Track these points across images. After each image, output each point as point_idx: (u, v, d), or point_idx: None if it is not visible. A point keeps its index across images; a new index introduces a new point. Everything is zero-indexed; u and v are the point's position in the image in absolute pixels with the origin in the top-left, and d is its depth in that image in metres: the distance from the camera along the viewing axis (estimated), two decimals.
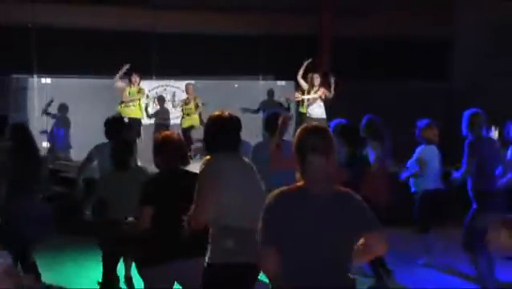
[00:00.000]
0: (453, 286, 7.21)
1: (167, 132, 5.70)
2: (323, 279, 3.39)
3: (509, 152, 7.26)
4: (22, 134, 6.73)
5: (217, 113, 4.78)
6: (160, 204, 4.94)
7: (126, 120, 12.24)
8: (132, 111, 12.68)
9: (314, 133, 3.55)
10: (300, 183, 3.49)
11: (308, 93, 12.65)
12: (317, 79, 12.68)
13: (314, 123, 5.87)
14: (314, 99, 12.64)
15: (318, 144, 3.45)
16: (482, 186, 6.80)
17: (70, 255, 8.46)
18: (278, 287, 3.49)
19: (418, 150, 7.88)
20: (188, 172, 5.15)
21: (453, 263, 7.79)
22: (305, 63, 12.85)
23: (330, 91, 12.67)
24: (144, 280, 5.14)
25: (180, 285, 5.02)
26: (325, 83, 12.77)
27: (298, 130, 3.65)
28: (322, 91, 12.59)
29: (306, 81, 12.84)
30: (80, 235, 8.19)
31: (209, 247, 4.39)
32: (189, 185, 4.63)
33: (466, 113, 6.93)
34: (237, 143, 4.66)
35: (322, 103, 12.69)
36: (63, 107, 13.01)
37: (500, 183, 7.02)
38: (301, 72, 12.93)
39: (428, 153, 7.80)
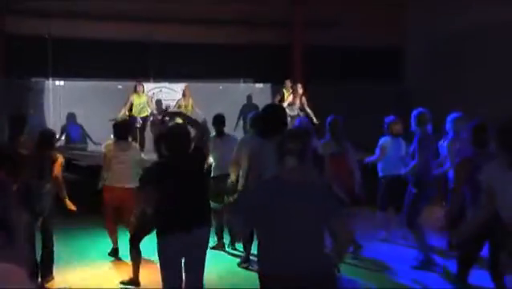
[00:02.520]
0: (406, 256, 7.23)
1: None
2: (300, 256, 3.37)
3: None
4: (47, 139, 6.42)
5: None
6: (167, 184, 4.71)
7: (139, 118, 12.59)
8: (143, 113, 12.94)
9: (292, 139, 3.56)
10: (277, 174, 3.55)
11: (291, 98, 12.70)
12: (300, 89, 12.74)
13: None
14: (295, 104, 12.67)
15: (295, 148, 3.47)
16: (424, 176, 6.85)
17: (83, 231, 8.48)
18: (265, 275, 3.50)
19: (381, 140, 7.84)
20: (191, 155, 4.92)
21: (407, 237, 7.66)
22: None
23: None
24: (160, 250, 4.83)
25: (187, 255, 4.78)
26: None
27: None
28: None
29: (287, 88, 12.90)
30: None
31: None
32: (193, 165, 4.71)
33: (414, 112, 6.91)
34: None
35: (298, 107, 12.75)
36: (75, 116, 12.93)
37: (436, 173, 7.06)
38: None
39: (390, 144, 7.74)
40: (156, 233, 4.81)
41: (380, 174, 7.96)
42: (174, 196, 4.65)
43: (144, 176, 5.17)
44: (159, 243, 4.71)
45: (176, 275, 4.77)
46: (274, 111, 5.46)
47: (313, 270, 3.36)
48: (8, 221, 4.30)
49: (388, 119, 7.83)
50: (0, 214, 4.48)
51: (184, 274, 4.80)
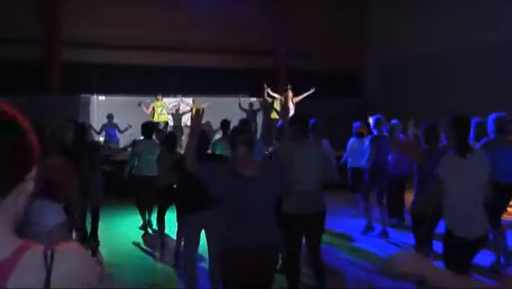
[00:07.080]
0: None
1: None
2: (256, 233, 3.16)
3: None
4: (82, 131, 6.32)
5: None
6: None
7: (162, 123, 12.69)
8: (164, 118, 13.04)
9: (241, 132, 3.33)
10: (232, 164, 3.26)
11: (285, 101, 12.28)
12: (290, 92, 12.61)
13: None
14: (291, 108, 12.24)
15: (244, 139, 3.24)
16: (378, 165, 6.96)
17: (116, 209, 8.42)
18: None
19: (350, 141, 7.80)
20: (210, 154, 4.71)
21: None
22: (265, 86, 13.14)
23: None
24: (180, 226, 4.78)
25: (205, 230, 4.58)
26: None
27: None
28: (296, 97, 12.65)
29: (281, 94, 12.88)
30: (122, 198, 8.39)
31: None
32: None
33: (373, 118, 6.99)
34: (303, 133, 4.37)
35: (293, 108, 12.36)
36: (112, 115, 13.02)
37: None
38: (268, 92, 13.16)
39: (356, 143, 7.69)
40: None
41: (348, 166, 7.93)
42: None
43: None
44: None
45: (194, 243, 4.64)
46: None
47: (265, 245, 3.16)
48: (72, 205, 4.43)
49: (356, 124, 7.85)
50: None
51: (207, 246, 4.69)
